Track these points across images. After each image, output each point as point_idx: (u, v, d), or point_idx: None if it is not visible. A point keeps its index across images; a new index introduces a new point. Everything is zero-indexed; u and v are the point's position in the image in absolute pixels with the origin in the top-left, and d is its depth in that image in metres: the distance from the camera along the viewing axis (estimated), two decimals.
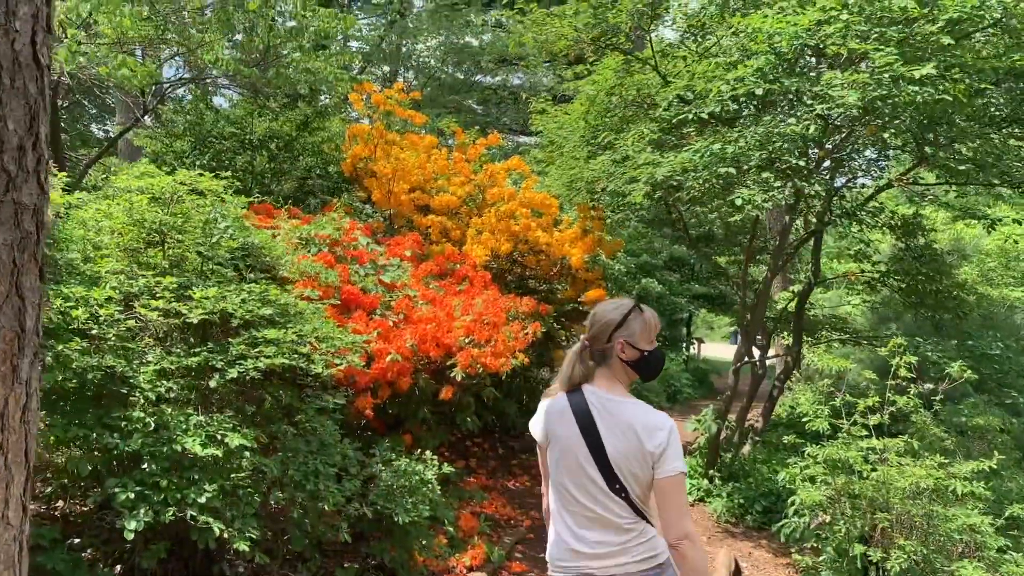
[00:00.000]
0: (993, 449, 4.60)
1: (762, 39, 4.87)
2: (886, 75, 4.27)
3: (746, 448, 6.82)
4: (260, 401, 3.46)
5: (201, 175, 3.75)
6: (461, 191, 7.20)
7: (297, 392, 3.67)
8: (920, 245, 6.90)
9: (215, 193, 3.85)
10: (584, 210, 7.16)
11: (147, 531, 2.70)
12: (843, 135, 5.71)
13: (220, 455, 2.83)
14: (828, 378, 5.51)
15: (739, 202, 4.83)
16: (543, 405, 2.11)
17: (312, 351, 3.39)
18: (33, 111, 1.56)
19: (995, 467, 4.09)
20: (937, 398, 4.80)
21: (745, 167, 4.95)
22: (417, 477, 3.90)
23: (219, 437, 2.89)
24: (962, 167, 5.24)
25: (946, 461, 4.10)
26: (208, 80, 8.22)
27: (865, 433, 4.32)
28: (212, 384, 3.09)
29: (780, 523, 4.69)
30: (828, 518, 4.26)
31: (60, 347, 2.77)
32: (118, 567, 3.10)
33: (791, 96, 4.94)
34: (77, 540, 3.08)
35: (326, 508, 3.34)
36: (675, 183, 5.25)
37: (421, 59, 15.84)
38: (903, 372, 4.50)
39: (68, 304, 2.91)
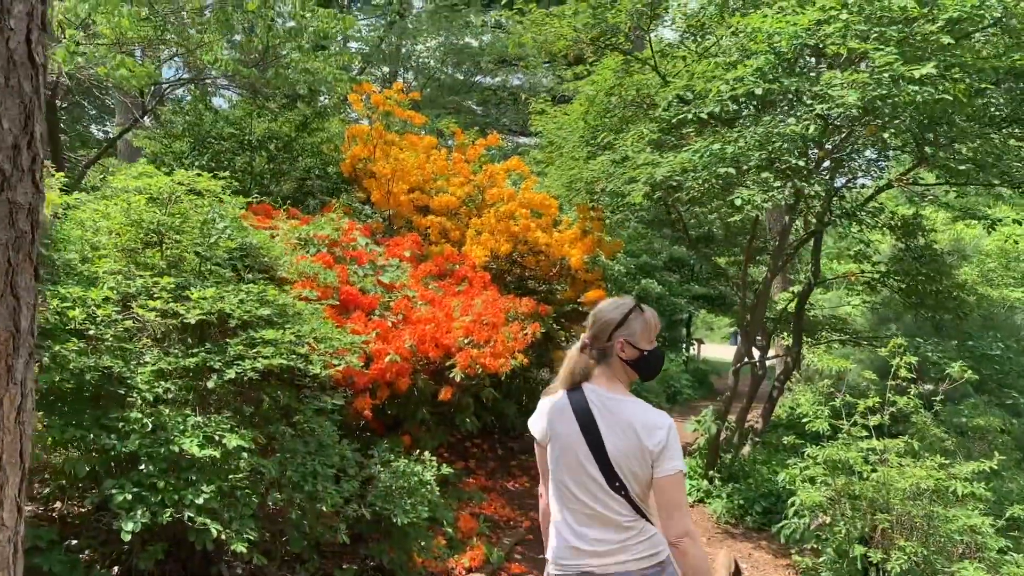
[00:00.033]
0: (994, 450, 4.59)
1: (761, 39, 4.86)
2: (886, 75, 4.27)
3: (746, 449, 6.81)
4: (258, 402, 3.45)
5: (199, 175, 3.74)
6: (460, 192, 7.19)
7: (295, 393, 3.65)
8: (920, 245, 6.89)
9: (213, 193, 3.84)
10: (583, 211, 7.15)
11: (145, 532, 2.69)
12: (843, 135, 5.70)
13: (218, 456, 2.82)
14: (828, 379, 5.51)
15: (738, 202, 4.83)
16: (543, 403, 2.12)
17: (310, 352, 3.38)
18: (28, 110, 1.55)
19: (996, 468, 4.09)
20: (937, 399, 4.80)
21: (745, 167, 4.94)
22: (416, 478, 3.89)
23: (217, 438, 2.88)
24: (962, 167, 5.23)
25: (947, 462, 4.09)
26: (208, 80, 8.21)
27: (865, 434, 4.31)
28: (210, 385, 3.08)
29: (780, 524, 4.68)
30: (828, 519, 4.25)
31: (57, 348, 2.76)
32: (116, 568, 3.08)
33: (791, 96, 4.93)
34: (75, 541, 3.07)
35: (324, 509, 3.33)
36: (674, 183, 5.24)
37: (421, 60, 15.85)
38: (903, 372, 4.49)
39: (65, 304, 2.90)
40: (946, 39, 4.30)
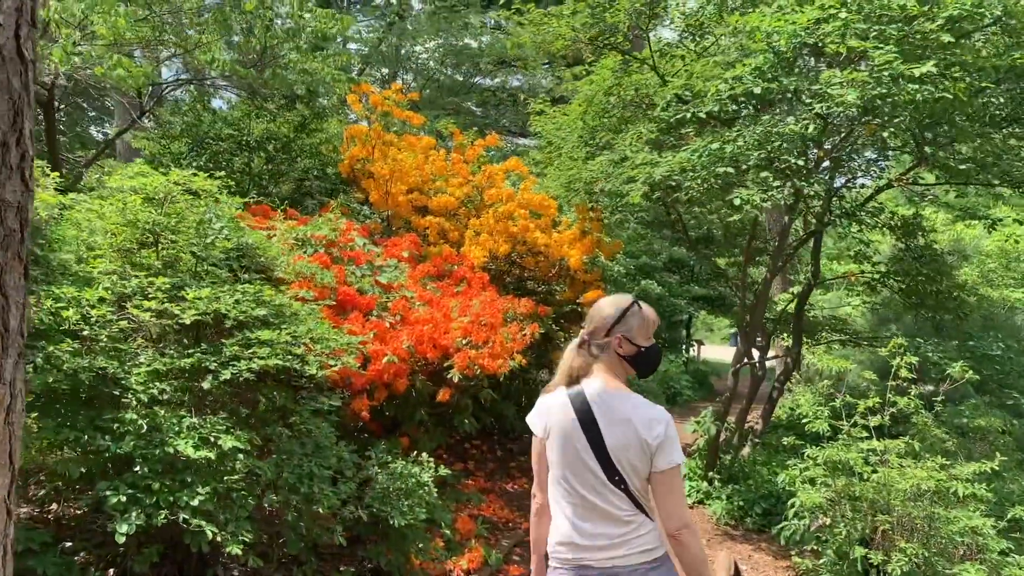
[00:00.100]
0: (995, 450, 4.57)
1: (760, 38, 4.85)
2: (885, 73, 4.25)
3: (746, 450, 6.79)
4: (254, 403, 3.43)
5: (195, 175, 3.72)
6: (459, 192, 7.17)
7: (292, 394, 3.63)
8: (920, 246, 6.87)
9: (209, 193, 3.83)
10: (583, 211, 7.13)
11: (140, 534, 2.67)
12: (842, 135, 5.68)
13: (213, 457, 2.80)
14: (828, 379, 5.49)
15: (738, 202, 4.81)
16: (542, 400, 2.15)
17: (307, 352, 3.36)
18: (17, 106, 1.53)
19: (997, 469, 4.07)
20: (938, 399, 4.78)
21: (744, 167, 4.92)
22: (414, 480, 3.87)
23: (212, 439, 2.86)
24: (962, 167, 5.22)
25: (947, 463, 4.07)
26: (207, 81, 8.19)
27: (865, 434, 4.29)
28: (205, 386, 3.06)
29: (780, 525, 4.66)
30: (828, 520, 4.23)
31: (51, 348, 2.74)
32: (111, 571, 3.06)
33: (790, 95, 4.91)
34: (69, 544, 3.05)
35: (321, 511, 3.31)
36: (673, 183, 5.22)
37: (420, 61, 15.83)
38: (904, 372, 4.47)
39: (59, 305, 2.88)
40: (946, 37, 4.29)
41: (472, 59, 15.66)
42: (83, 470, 2.77)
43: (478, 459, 6.48)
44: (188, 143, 7.37)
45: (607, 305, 2.10)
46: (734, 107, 5.11)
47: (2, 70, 1.49)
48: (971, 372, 4.77)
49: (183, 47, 6.36)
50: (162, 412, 2.93)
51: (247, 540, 2.79)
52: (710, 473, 6.51)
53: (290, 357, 3.24)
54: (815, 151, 5.71)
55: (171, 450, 2.74)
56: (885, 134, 5.06)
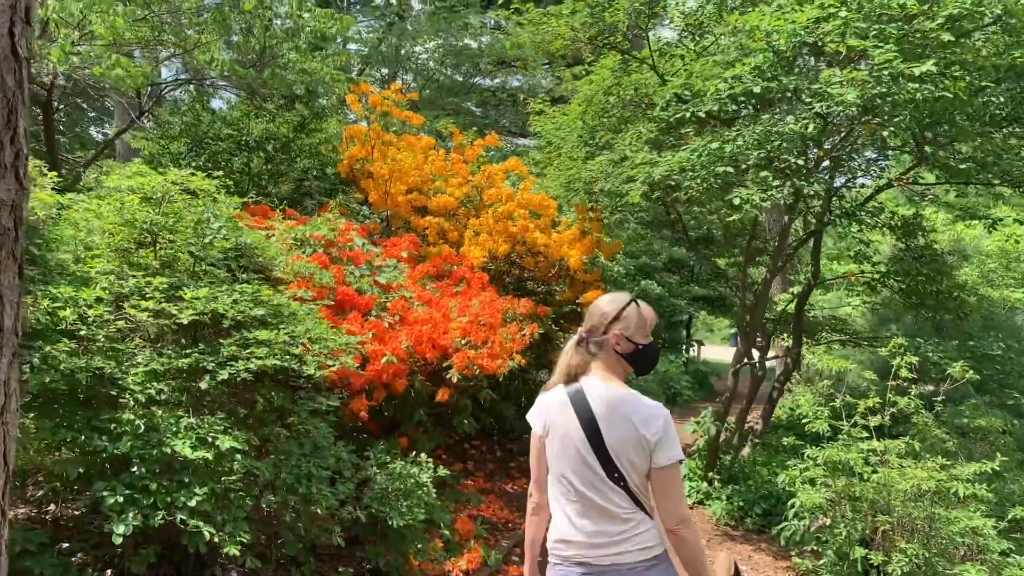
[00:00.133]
0: (995, 451, 4.56)
1: (760, 37, 4.83)
2: (885, 72, 4.24)
3: (746, 450, 6.78)
4: (252, 403, 3.42)
5: (193, 175, 3.71)
6: (459, 192, 7.16)
7: (290, 394, 3.62)
8: (920, 246, 6.86)
9: (208, 193, 3.82)
10: (582, 211, 7.12)
11: (137, 535, 2.66)
12: (842, 134, 5.67)
13: (211, 458, 2.79)
14: (828, 379, 5.48)
15: (737, 201, 4.79)
16: (541, 398, 2.15)
17: (305, 352, 3.35)
18: (11, 105, 1.52)
19: (997, 469, 4.05)
20: (938, 399, 4.76)
21: (743, 166, 4.91)
22: (412, 480, 3.86)
23: (210, 440, 2.85)
24: (962, 166, 5.20)
25: (948, 463, 4.06)
26: (207, 81, 8.18)
27: (866, 435, 4.28)
28: (203, 386, 3.05)
29: (780, 526, 4.65)
30: (828, 521, 4.21)
31: (48, 348, 2.73)
32: (108, 572, 3.05)
33: (789, 94, 4.90)
34: (67, 544, 3.04)
35: (319, 511, 3.30)
36: (673, 183, 5.21)
37: (420, 61, 15.83)
38: (904, 372, 4.46)
39: (56, 305, 2.87)
40: (946, 36, 4.28)
41: (472, 59, 15.66)
42: (80, 470, 2.77)
43: (477, 459, 6.47)
44: (187, 143, 7.36)
45: (605, 303, 2.11)
46: (734, 107, 5.10)
47: None
48: (971, 372, 4.76)
49: (182, 47, 6.35)
50: (160, 412, 2.92)
51: (245, 541, 2.79)
52: (710, 473, 6.50)
53: (288, 357, 3.23)
54: (815, 151, 5.70)
55: (168, 450, 2.73)
56: (885, 133, 5.05)
